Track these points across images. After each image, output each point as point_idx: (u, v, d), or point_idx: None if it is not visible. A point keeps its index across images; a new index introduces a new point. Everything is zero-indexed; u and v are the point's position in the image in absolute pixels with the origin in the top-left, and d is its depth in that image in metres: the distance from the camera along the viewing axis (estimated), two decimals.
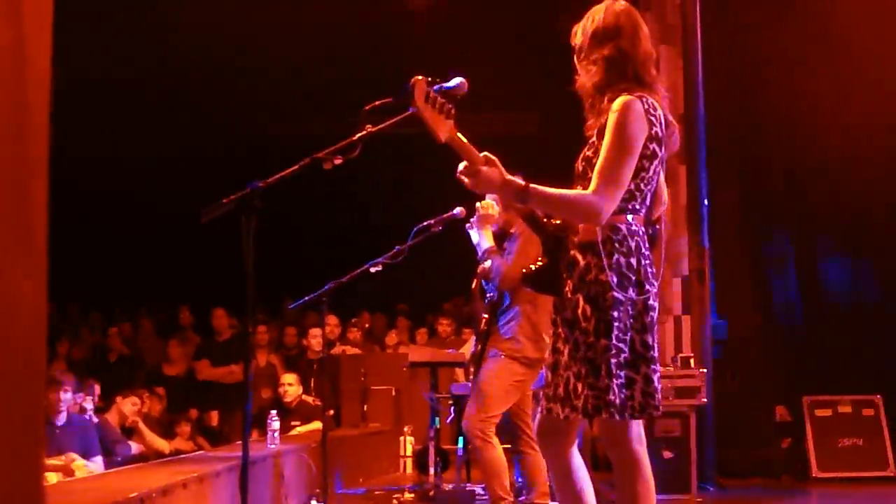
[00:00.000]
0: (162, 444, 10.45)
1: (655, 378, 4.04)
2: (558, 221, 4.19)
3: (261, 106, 14.04)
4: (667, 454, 8.80)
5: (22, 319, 2.46)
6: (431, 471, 9.23)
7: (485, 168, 3.98)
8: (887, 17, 9.09)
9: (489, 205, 6.80)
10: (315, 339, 11.70)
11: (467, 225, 6.86)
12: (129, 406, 10.21)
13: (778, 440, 10.35)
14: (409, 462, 10.45)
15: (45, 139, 2.55)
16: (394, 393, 11.27)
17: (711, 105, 10.10)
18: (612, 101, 4.09)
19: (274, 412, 8.44)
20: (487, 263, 6.73)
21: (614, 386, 3.93)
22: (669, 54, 10.64)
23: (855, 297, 10.77)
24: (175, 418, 11.44)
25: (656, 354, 4.06)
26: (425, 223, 6.89)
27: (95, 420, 9.46)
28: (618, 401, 3.94)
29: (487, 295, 6.95)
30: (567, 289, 4.10)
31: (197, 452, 9.54)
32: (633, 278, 4.01)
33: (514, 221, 6.83)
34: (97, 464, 8.47)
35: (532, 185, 3.99)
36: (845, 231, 10.43)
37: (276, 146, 12.29)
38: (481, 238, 6.79)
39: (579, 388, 4.00)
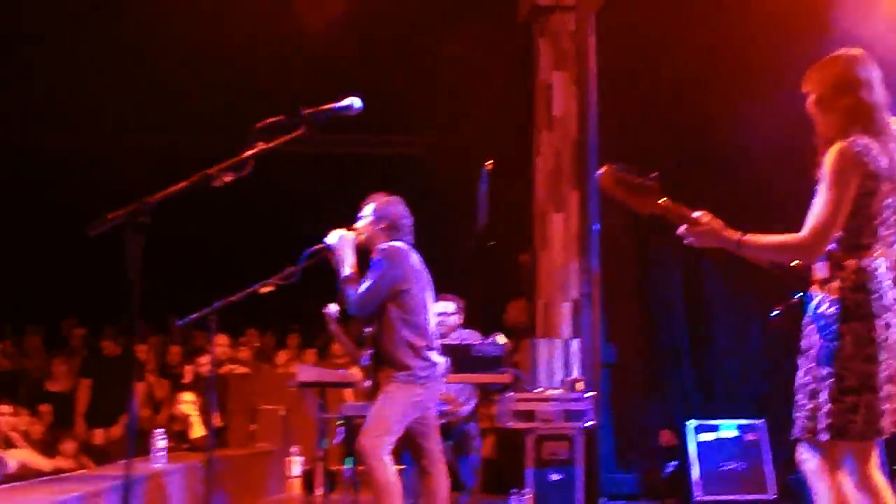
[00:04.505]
0: (42, 463, 10.26)
1: (879, 406, 4.27)
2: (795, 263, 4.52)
3: (152, 122, 13.87)
4: (554, 476, 8.85)
5: None
6: (319, 492, 9.20)
7: (701, 228, 4.39)
8: (784, 42, 9.23)
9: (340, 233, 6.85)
10: (203, 357, 11.59)
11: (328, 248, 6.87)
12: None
13: (663, 464, 10.47)
14: (297, 483, 10.38)
15: None
16: (282, 413, 11.20)
17: (604, 131, 10.22)
18: (826, 148, 4.41)
19: (160, 431, 8.34)
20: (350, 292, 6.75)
21: (835, 410, 4.26)
22: (563, 80, 10.76)
23: (740, 322, 10.94)
24: (58, 436, 11.24)
25: (877, 384, 4.28)
26: (318, 246, 6.86)
27: None
28: (839, 423, 4.25)
29: (366, 329, 6.93)
30: (805, 321, 4.47)
31: (80, 471, 9.38)
32: (857, 311, 4.28)
33: (375, 242, 6.84)
34: None
35: (745, 235, 4.39)
36: (731, 256, 10.57)
37: (172, 162, 12.18)
38: (340, 265, 6.80)
39: (796, 410, 4.41)
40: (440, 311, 8.95)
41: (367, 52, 12.06)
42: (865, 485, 4.47)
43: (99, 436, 11.85)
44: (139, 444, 8.81)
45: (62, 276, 14.38)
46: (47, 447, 10.87)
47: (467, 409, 9.01)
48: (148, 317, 12.84)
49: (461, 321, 9.21)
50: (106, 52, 12.11)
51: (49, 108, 13.14)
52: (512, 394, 8.98)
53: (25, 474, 9.36)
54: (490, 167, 11.41)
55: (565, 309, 10.57)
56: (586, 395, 9.07)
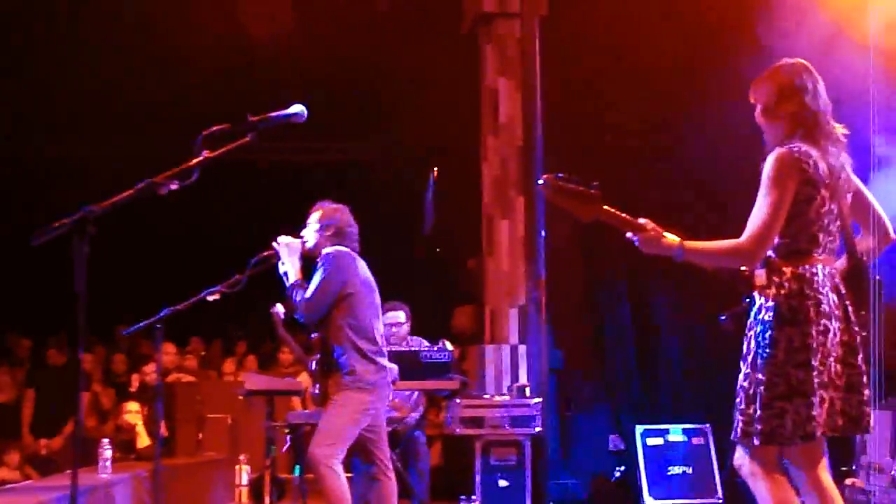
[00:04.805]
0: None
1: (807, 411, 4.31)
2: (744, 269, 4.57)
3: (100, 131, 13.77)
4: (502, 483, 8.88)
5: None
6: (267, 500, 9.16)
7: (643, 234, 4.40)
8: (732, 47, 9.30)
9: (287, 239, 6.86)
10: (150, 366, 11.52)
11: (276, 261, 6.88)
12: None
13: (611, 468, 10.51)
14: (245, 491, 10.33)
15: None
16: (230, 421, 11.15)
17: (549, 137, 10.26)
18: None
19: (106, 440, 8.27)
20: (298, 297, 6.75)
21: (764, 416, 4.33)
22: (508, 87, 10.81)
23: (686, 326, 11.01)
24: (2, 447, 11.13)
25: (808, 389, 4.32)
26: (265, 253, 6.86)
27: None
28: (767, 429, 4.32)
29: (313, 335, 6.93)
30: (748, 326, 4.54)
31: (25, 482, 9.29)
32: (790, 317, 4.35)
33: (321, 250, 6.85)
34: None
35: (685, 242, 4.41)
36: (676, 264, 10.61)
37: (120, 171, 12.07)
38: (288, 270, 6.81)
39: (735, 414, 4.48)
40: (393, 322, 8.97)
41: (314, 59, 12.03)
42: (814, 487, 4.53)
43: (44, 446, 11.74)
44: (85, 454, 8.75)
45: (4, 285, 14.24)
46: None
47: (415, 416, 9.01)
48: (93, 326, 12.74)
49: (409, 329, 9.23)
50: (55, 59, 12.02)
51: None
52: (460, 400, 8.99)
53: None
54: (436, 174, 11.45)
55: (512, 315, 10.61)
56: (534, 401, 9.10)
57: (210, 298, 6.79)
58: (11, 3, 11.23)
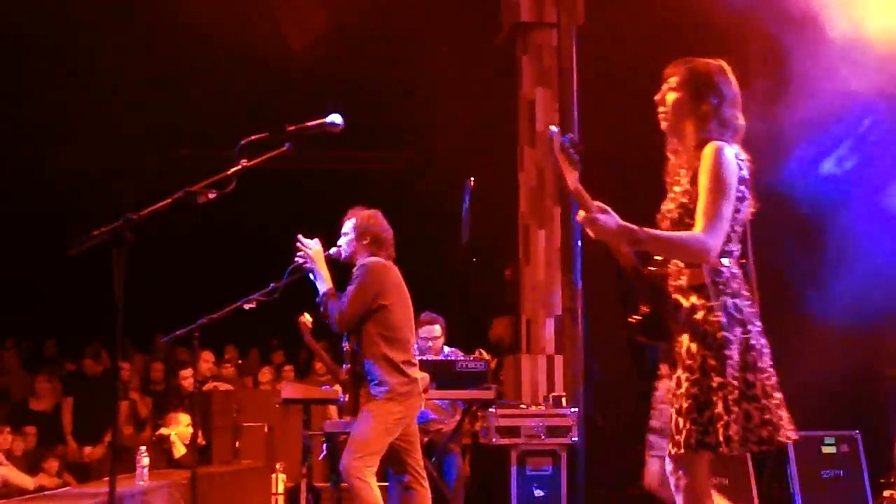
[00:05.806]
0: (25, 481, 10.21)
1: (758, 414, 4.16)
2: (653, 269, 4.40)
3: (139, 140, 13.84)
4: (538, 492, 8.85)
5: None
6: None
7: (601, 216, 4.20)
8: (768, 53, 9.27)
9: (312, 243, 6.84)
10: (187, 370, 11.57)
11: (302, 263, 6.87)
12: None
13: None
14: (282, 500, 10.35)
15: None
16: (266, 429, 11.17)
17: (586, 146, 10.23)
18: (700, 148, 4.31)
19: (143, 448, 8.30)
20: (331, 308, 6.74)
21: (731, 421, 4.11)
22: (545, 97, 10.79)
23: None
24: (43, 454, 11.20)
25: (758, 392, 4.18)
26: (297, 262, 6.86)
27: None
28: (735, 434, 4.10)
29: (344, 345, 6.93)
30: (679, 330, 4.31)
31: (63, 489, 9.34)
32: (738, 317, 4.20)
33: (357, 258, 6.84)
34: None
35: (644, 229, 4.20)
36: None
37: (158, 180, 12.13)
38: (318, 280, 6.80)
39: (681, 423, 4.21)
40: (429, 336, 8.98)
41: (351, 68, 12.07)
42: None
43: (87, 454, 11.81)
44: (123, 462, 8.79)
45: (42, 294, 14.33)
46: (31, 465, 10.83)
47: (451, 425, 9.01)
48: (131, 334, 12.81)
49: (444, 341, 9.23)
50: (92, 67, 12.10)
51: (35, 123, 13.10)
52: (496, 410, 8.97)
53: (8, 492, 9.32)
54: (472, 184, 11.44)
55: (549, 324, 10.58)
56: (570, 411, 9.08)
57: (246, 307, 6.81)
58: (46, 14, 11.32)
